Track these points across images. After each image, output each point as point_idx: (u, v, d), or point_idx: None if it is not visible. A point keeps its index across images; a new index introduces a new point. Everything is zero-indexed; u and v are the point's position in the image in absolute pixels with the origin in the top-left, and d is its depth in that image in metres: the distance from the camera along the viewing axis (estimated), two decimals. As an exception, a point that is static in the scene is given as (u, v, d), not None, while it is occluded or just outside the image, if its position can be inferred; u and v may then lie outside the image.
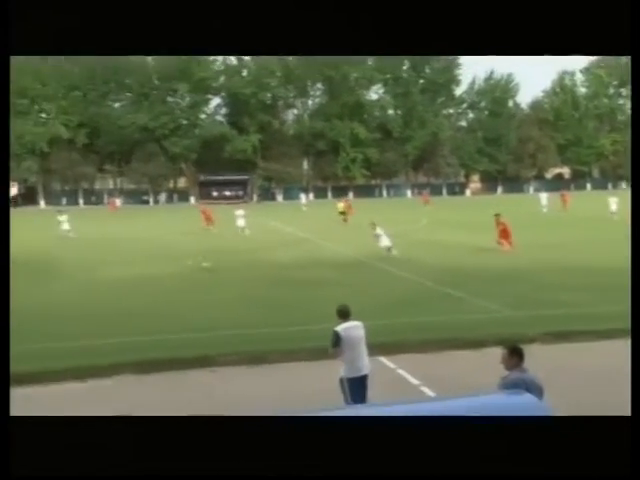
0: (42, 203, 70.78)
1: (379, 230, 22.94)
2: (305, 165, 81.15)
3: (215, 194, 72.82)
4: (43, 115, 71.18)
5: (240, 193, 74.23)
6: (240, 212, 32.57)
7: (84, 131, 69.45)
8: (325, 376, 8.84)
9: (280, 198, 77.09)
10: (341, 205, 38.67)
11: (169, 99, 74.24)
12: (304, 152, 79.00)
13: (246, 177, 75.08)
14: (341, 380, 7.73)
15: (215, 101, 78.82)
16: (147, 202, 73.89)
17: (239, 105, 74.38)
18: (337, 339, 7.62)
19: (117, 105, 75.31)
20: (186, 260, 21.66)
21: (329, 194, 78.53)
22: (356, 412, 4.68)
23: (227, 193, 73.32)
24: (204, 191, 73.85)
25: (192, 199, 75.25)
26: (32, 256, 24.23)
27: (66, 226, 31.66)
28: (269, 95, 75.94)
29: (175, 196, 77.96)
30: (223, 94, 77.35)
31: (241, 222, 32.00)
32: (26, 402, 9.26)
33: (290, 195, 74.53)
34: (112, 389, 9.83)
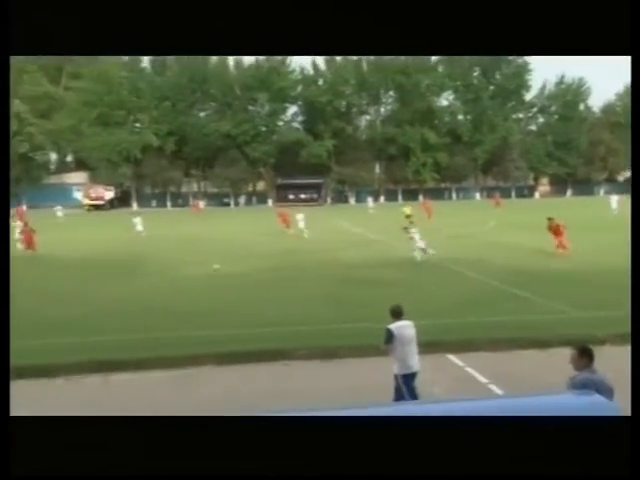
0: (135, 205, 73.65)
1: (413, 232, 22.26)
2: (377, 169, 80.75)
3: (291, 197, 73.57)
4: (137, 125, 74.11)
5: (315, 196, 74.70)
6: (300, 216, 32.66)
7: (173, 139, 71.81)
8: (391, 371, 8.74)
9: (352, 201, 77.03)
10: (407, 209, 38.00)
11: (250, 108, 75.62)
12: (376, 156, 78.65)
13: (320, 181, 75.49)
14: (395, 377, 7.75)
15: (292, 109, 79.72)
16: (228, 204, 75.57)
17: (315, 112, 74.91)
18: (390, 337, 7.67)
19: (202, 114, 77.37)
20: (265, 260, 22.00)
21: (399, 197, 77.87)
22: (424, 409, 4.45)
23: (302, 196, 73.91)
24: (281, 194, 74.77)
25: (270, 201, 76.37)
26: (118, 254, 25.28)
27: (139, 227, 32.32)
28: (343, 103, 76.03)
29: (254, 199, 79.34)
30: (300, 102, 78.12)
31: (301, 225, 32.13)
32: (121, 387, 9.67)
33: (362, 198, 74.37)
34: (193, 378, 10.10)
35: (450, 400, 5.33)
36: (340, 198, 77.45)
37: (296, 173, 74.26)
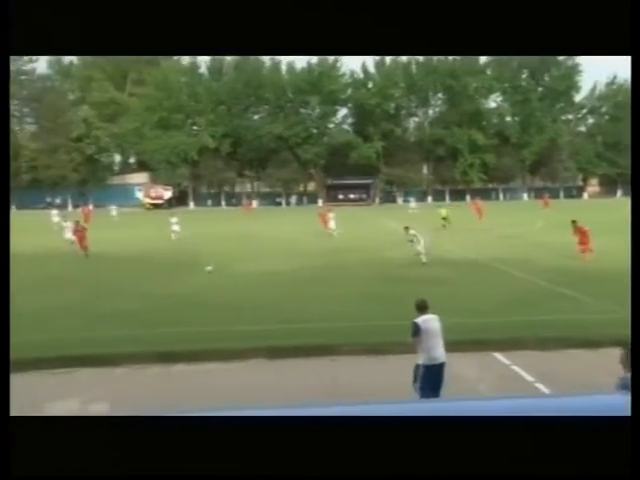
0: (191, 205, 75.16)
1: (412, 233, 21.36)
2: (425, 170, 79.83)
3: (341, 197, 73.58)
4: (195, 128, 75.58)
5: (363, 196, 74.48)
6: (331, 215, 32.24)
7: (228, 141, 72.88)
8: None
9: (400, 201, 76.40)
10: (443, 211, 37.16)
11: (302, 110, 75.97)
12: (424, 158, 77.75)
13: (369, 181, 75.20)
14: (417, 366, 7.86)
15: (342, 111, 79.68)
16: (280, 204, 76.19)
17: (364, 115, 74.62)
18: (416, 329, 7.80)
19: (256, 117, 78.21)
20: (312, 258, 22.03)
21: (447, 197, 76.73)
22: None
23: (352, 196, 73.83)
24: (331, 194, 74.85)
25: (320, 201, 76.52)
26: (174, 252, 25.78)
27: (176, 227, 31.01)
28: (392, 105, 75.40)
29: (305, 198, 79.68)
30: (350, 105, 77.96)
31: (332, 224, 31.62)
32: (183, 377, 9.86)
33: (409, 198, 73.66)
34: (245, 370, 10.20)
35: (453, 399, 5.20)
36: (388, 198, 76.94)
37: (346, 174, 74.18)
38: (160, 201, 70.27)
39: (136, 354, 10.58)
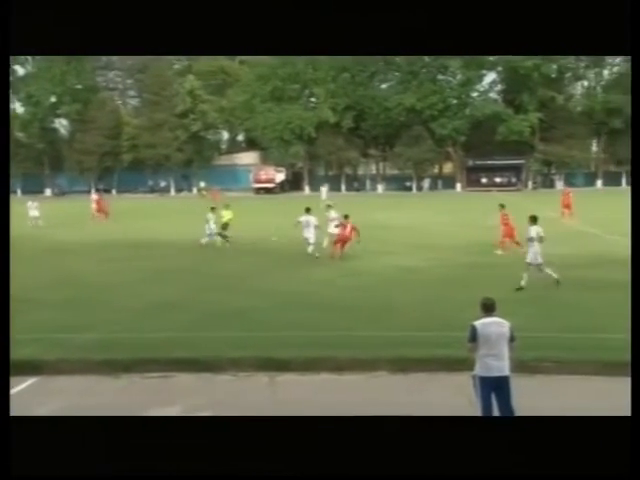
0: (306, 189, 76.54)
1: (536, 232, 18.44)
2: (594, 147, 75.36)
3: (484, 180, 71.67)
4: (312, 100, 76.89)
5: (513, 179, 71.99)
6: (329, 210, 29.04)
7: (350, 114, 73.28)
8: (616, 393, 7.97)
9: (560, 185, 72.91)
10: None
11: (439, 77, 74.70)
12: (594, 132, 73.38)
13: (520, 161, 72.46)
14: (473, 377, 7.79)
15: (490, 77, 77.32)
16: (409, 189, 75.56)
17: (518, 80, 71.71)
18: (473, 333, 7.71)
19: (384, 86, 78.05)
20: (455, 254, 21.50)
21: (623, 181, 71.95)
22: None
23: (498, 179, 71.66)
24: (472, 177, 73.12)
25: (458, 186, 74.96)
26: (285, 242, 26.25)
27: (212, 226, 27.62)
28: (554, 67, 71.76)
29: (440, 182, 78.44)
30: (499, 69, 75.36)
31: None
32: (291, 388, 9.98)
33: (572, 182, 70.12)
34: (364, 383, 10.10)
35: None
36: (544, 182, 73.65)
37: (491, 153, 72.03)
38: (271, 185, 72.28)
39: (241, 359, 10.84)
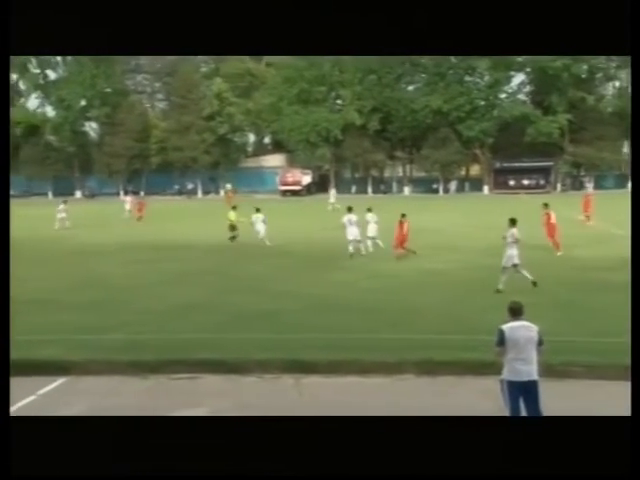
0: (333, 191, 76.41)
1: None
2: (625, 148, 74.24)
3: (512, 183, 70.98)
4: (338, 102, 76.86)
5: (541, 182, 71.20)
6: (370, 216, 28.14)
7: (377, 116, 73.06)
8: None
9: (590, 187, 71.93)
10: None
11: (467, 78, 74.14)
12: (625, 133, 72.26)
13: (549, 163, 71.65)
14: (500, 381, 7.75)
15: (518, 78, 76.59)
16: (436, 191, 75.11)
17: (547, 81, 70.90)
18: (501, 337, 7.66)
19: (411, 88, 77.72)
20: (482, 257, 21.32)
21: (654, 184, 70.80)
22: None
23: (526, 182, 70.93)
24: (499, 179, 72.47)
25: (485, 188, 74.35)
26: (305, 244, 26.29)
27: (260, 227, 27.17)
28: (584, 67, 70.85)
29: (467, 184, 77.90)
30: (528, 69, 74.63)
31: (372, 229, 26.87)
32: (316, 390, 9.98)
33: (603, 184, 69.17)
34: (391, 386, 10.05)
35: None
36: (574, 184, 72.74)
37: (519, 155, 71.34)
38: (298, 187, 72.37)
39: (267, 361, 10.86)
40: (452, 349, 11.16)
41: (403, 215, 22.47)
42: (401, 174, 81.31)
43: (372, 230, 24.14)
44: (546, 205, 23.76)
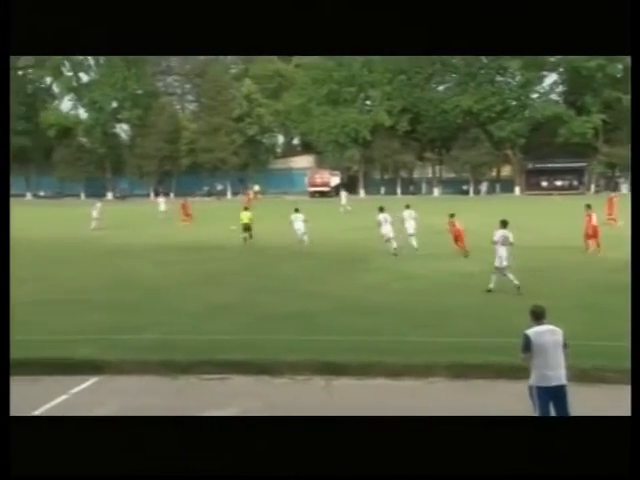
0: (362, 192, 76.41)
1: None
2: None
3: (544, 184, 70.25)
4: (368, 102, 76.80)
5: (574, 183, 70.34)
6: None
7: (406, 117, 72.88)
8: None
9: (624, 188, 70.74)
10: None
11: (498, 78, 73.61)
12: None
13: (582, 164, 70.71)
14: (529, 388, 7.61)
15: (551, 78, 75.76)
16: (467, 192, 74.57)
17: (580, 81, 70.06)
18: (527, 343, 7.54)
19: (441, 88, 77.36)
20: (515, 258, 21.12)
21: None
22: None
23: (559, 183, 70.15)
24: (531, 180, 71.76)
25: (517, 189, 73.62)
26: (335, 245, 26.26)
27: (299, 225, 27.07)
28: (619, 67, 69.80)
29: (497, 186, 77.23)
30: (561, 69, 73.76)
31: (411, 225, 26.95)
32: (346, 392, 9.97)
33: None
34: (421, 389, 9.99)
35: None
36: (608, 185, 71.65)
37: (551, 155, 70.55)
38: (326, 188, 72.49)
39: (298, 363, 10.86)
40: (484, 352, 11.05)
41: (451, 215, 23.01)
42: (430, 175, 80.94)
43: (411, 227, 24.52)
44: (589, 206, 23.50)
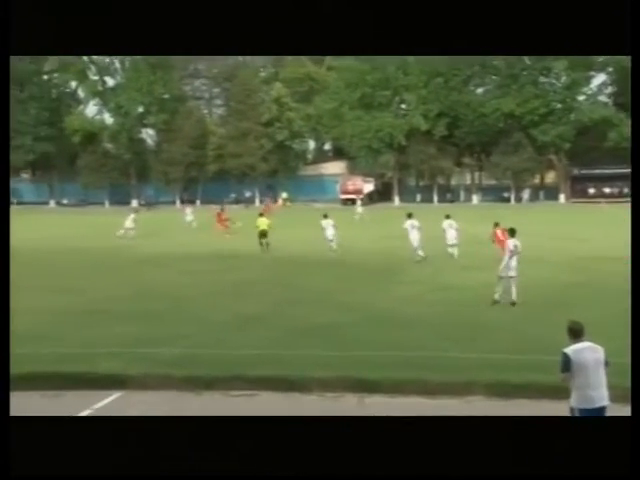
0: (396, 200, 76.22)
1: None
2: None
3: (592, 191, 69.32)
4: (403, 106, 76.71)
5: (624, 190, 69.19)
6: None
7: (443, 121, 72.59)
8: None
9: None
10: None
11: (542, 80, 72.93)
12: None
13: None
14: (571, 410, 7.37)
15: (599, 79, 74.88)
16: (507, 200, 73.92)
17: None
18: (566, 362, 7.40)
19: (480, 90, 76.93)
20: (562, 270, 20.86)
21: None
22: None
23: (607, 190, 69.19)
24: (577, 187, 70.91)
25: (562, 197, 72.76)
26: (370, 256, 26.20)
27: (330, 232, 27.33)
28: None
29: (541, 193, 76.40)
30: (610, 69, 72.87)
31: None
32: (376, 409, 9.93)
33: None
34: (459, 409, 9.91)
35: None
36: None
37: (599, 161, 69.62)
38: (359, 195, 72.41)
39: (329, 379, 10.86)
40: (525, 370, 10.91)
41: (496, 224, 23.12)
42: (469, 182, 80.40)
43: (452, 237, 24.82)
44: None
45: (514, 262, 16.44)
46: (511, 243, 16.62)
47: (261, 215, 30.12)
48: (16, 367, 11.19)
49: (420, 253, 23.89)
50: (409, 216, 24.96)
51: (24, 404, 9.18)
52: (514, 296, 16.15)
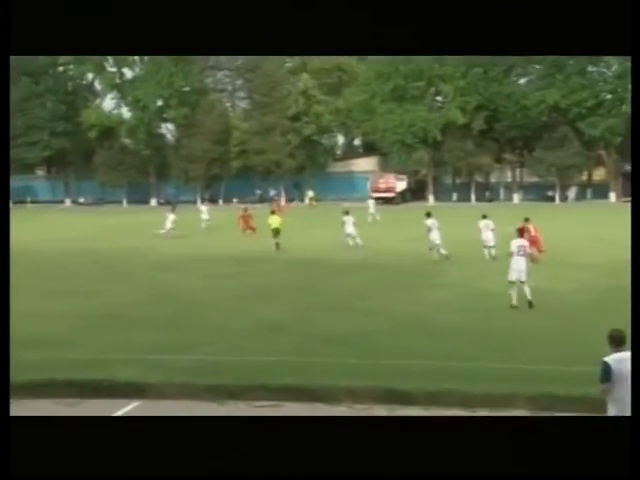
0: (431, 199, 75.91)
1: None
2: None
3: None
4: (438, 99, 76.37)
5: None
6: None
7: (482, 115, 72.01)
8: None
9: None
10: None
11: (590, 69, 72.07)
12: None
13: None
14: None
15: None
16: (552, 199, 73.19)
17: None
18: (607, 372, 7.39)
19: (522, 81, 76.30)
20: (611, 275, 20.65)
21: None
22: None
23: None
24: (629, 185, 69.86)
25: (612, 195, 71.86)
26: (397, 257, 26.15)
27: (350, 229, 28.93)
28: None
29: (589, 191, 75.54)
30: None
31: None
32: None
33: None
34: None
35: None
36: None
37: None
38: (391, 194, 72.18)
39: (357, 389, 10.87)
40: (570, 382, 10.83)
41: (526, 219, 23.22)
42: (510, 179, 79.71)
43: (488, 239, 24.94)
44: None
45: (524, 265, 16.33)
46: (515, 244, 16.55)
47: (272, 213, 30.61)
48: (30, 373, 11.42)
49: (442, 252, 24.51)
50: (428, 215, 25.60)
51: (37, 413, 9.31)
52: (529, 296, 16.27)
